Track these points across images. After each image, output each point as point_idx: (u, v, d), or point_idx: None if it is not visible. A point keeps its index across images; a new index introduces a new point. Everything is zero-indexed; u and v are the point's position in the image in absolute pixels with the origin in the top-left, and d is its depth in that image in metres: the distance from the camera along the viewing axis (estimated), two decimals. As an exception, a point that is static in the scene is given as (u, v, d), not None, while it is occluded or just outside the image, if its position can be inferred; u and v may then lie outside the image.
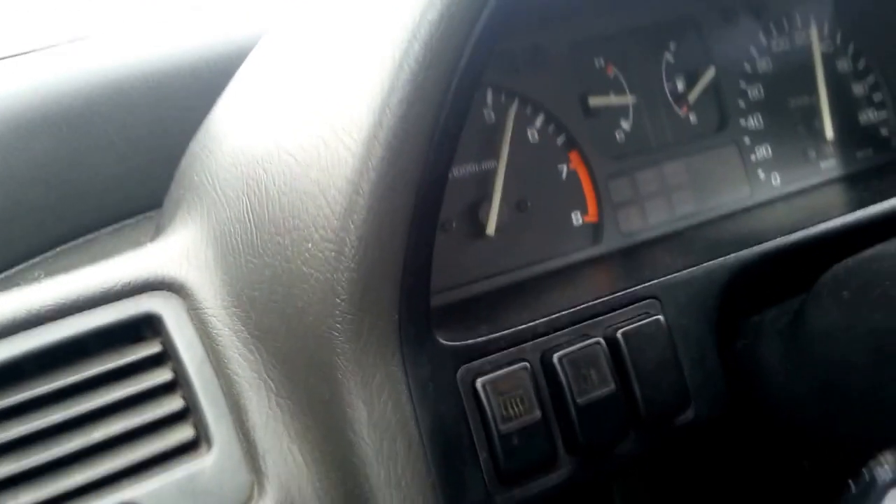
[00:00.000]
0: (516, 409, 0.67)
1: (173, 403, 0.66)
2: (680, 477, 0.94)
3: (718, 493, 0.93)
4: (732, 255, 0.80)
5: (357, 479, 0.64)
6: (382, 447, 0.63)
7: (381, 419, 0.63)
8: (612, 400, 0.70)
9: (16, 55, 0.97)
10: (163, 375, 0.67)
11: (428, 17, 0.59)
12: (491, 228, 0.88)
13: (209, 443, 0.66)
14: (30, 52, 0.98)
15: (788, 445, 0.79)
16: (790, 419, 0.76)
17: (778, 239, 0.83)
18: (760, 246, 0.82)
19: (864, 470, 0.53)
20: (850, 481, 0.54)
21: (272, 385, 0.67)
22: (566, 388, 0.69)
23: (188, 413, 0.67)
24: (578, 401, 0.69)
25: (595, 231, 0.95)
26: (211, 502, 0.64)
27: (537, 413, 0.68)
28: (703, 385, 0.76)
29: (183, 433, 0.66)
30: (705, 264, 0.79)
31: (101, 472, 0.63)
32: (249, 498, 0.65)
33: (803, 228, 0.84)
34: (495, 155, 0.90)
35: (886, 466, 0.53)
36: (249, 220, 0.67)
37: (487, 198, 0.89)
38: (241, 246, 0.68)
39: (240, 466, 0.66)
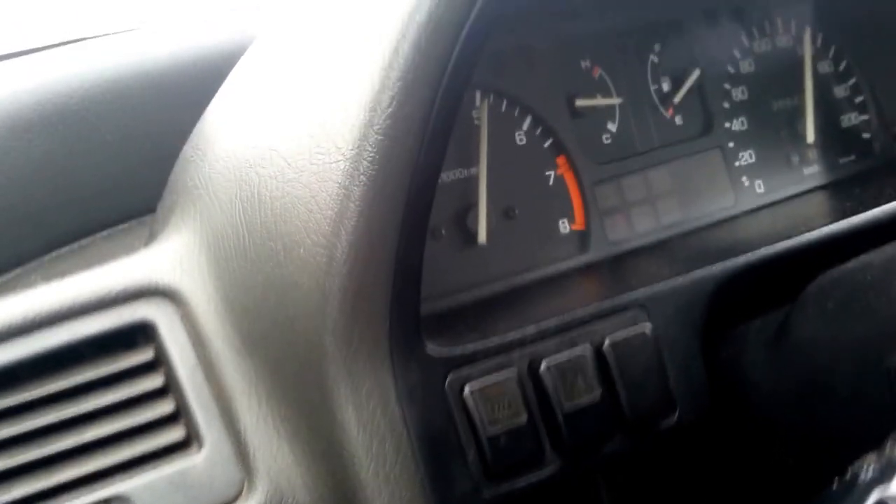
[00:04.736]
0: (503, 413, 0.68)
1: (165, 407, 0.67)
2: (665, 471, 0.94)
3: (704, 486, 0.94)
4: (718, 264, 0.81)
5: (346, 473, 0.65)
6: (372, 446, 0.64)
7: (370, 423, 0.64)
8: (599, 406, 0.71)
9: (10, 56, 0.97)
10: (155, 381, 0.68)
11: (416, 19, 0.60)
12: (482, 237, 0.88)
13: (200, 443, 0.67)
14: (24, 53, 0.98)
15: (772, 449, 0.80)
16: (774, 426, 0.77)
17: (762, 249, 0.83)
18: (745, 256, 0.82)
19: (848, 469, 0.54)
20: (835, 479, 0.54)
21: (263, 390, 0.68)
22: (553, 395, 0.70)
23: (179, 416, 0.68)
24: (565, 407, 0.70)
25: (582, 239, 0.95)
26: (202, 496, 0.65)
27: (524, 417, 0.69)
28: (689, 392, 0.77)
29: (174, 434, 0.67)
30: (691, 274, 0.79)
31: (93, 468, 0.64)
32: (239, 492, 0.66)
33: (787, 238, 0.85)
34: (479, 160, 0.89)
35: (870, 466, 0.53)
36: (242, 225, 0.68)
37: (475, 205, 0.88)
38: (233, 251, 0.69)
39: (230, 463, 0.67)
